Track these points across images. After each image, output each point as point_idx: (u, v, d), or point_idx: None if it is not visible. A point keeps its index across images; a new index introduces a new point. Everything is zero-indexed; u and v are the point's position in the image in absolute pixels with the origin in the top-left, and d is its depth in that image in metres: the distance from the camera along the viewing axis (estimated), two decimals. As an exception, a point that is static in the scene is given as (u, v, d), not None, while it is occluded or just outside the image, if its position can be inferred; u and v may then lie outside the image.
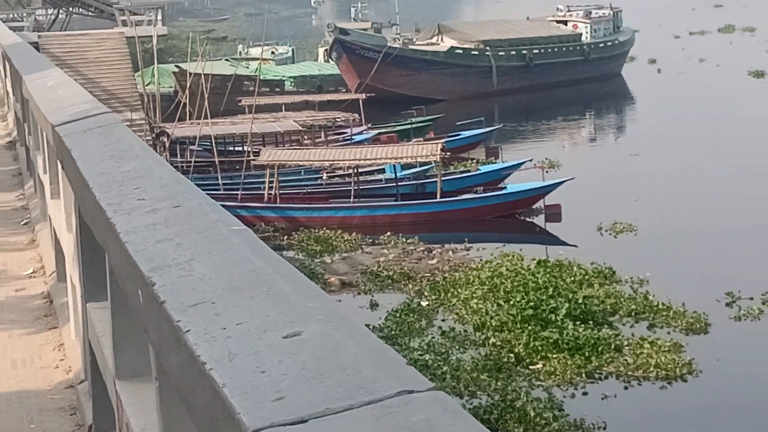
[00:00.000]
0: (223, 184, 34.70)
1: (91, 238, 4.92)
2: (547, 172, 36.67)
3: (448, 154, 35.98)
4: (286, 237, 30.91)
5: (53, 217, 9.10)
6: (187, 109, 44.79)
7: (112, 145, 5.24)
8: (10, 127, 19.95)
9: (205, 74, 45.90)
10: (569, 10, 76.35)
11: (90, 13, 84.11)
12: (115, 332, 4.36)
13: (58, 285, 8.93)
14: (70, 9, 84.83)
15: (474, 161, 39.59)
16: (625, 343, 21.48)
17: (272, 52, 71.00)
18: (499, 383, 19.69)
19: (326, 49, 64.59)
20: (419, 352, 21.21)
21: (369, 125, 46.35)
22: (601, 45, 71.41)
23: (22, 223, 12.88)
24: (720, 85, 64.30)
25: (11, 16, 69.29)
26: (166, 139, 40.05)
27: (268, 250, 2.96)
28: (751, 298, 23.55)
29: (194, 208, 3.57)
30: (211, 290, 2.52)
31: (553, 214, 32.87)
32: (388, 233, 30.54)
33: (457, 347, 21.77)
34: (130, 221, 3.51)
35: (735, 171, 40.20)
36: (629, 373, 20.36)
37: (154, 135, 41.07)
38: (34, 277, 10.43)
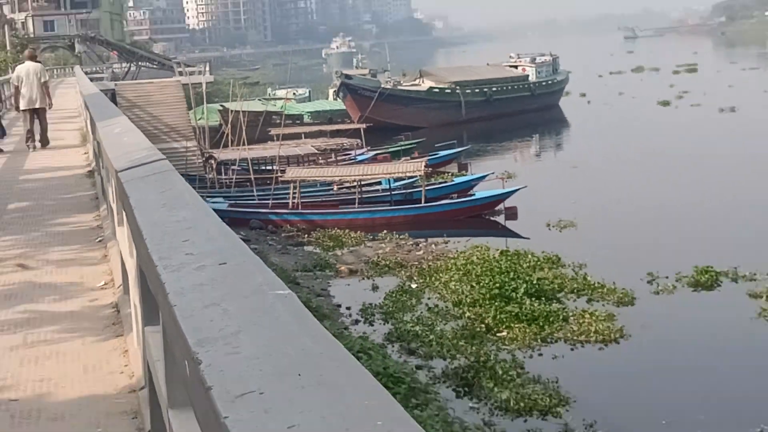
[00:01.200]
0: (257, 195, 34.30)
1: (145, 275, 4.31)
2: (505, 181, 36.31)
3: (430, 169, 35.67)
4: (306, 235, 30.58)
5: (119, 241, 8.55)
6: (229, 138, 44.58)
7: (165, 192, 4.85)
8: (90, 159, 19.22)
9: (242, 111, 45.93)
10: (519, 57, 77.05)
11: (154, 66, 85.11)
12: (167, 363, 3.68)
13: (124, 297, 8.45)
14: (139, 63, 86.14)
15: (449, 174, 39.62)
16: (570, 314, 21.23)
17: (293, 93, 70.75)
18: (473, 348, 19.33)
19: (335, 90, 64.12)
20: (411, 324, 20.92)
21: (368, 148, 46.34)
22: (544, 83, 71.69)
23: (97, 240, 12.27)
24: (636, 112, 64.76)
25: (94, 69, 68.88)
26: (213, 162, 40.22)
27: (316, 324, 2.37)
28: (667, 277, 23.45)
29: (240, 267, 3.03)
30: (259, 375, 1.93)
31: (511, 214, 32.88)
32: (385, 231, 30.30)
33: (440, 320, 21.47)
34: (179, 280, 2.97)
35: (653, 175, 40.01)
36: (574, 338, 20.06)
37: (204, 158, 41.19)
38: (105, 288, 9.75)
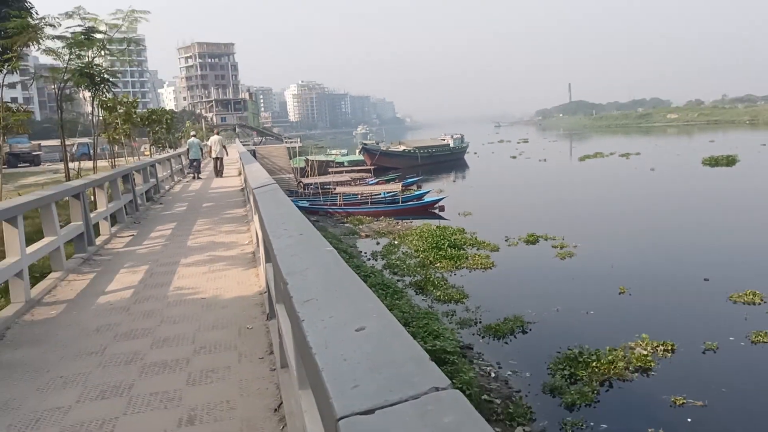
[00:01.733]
0: (323, 200, 34.04)
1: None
2: (439, 193, 36.26)
3: (403, 188, 35.63)
4: (345, 219, 30.12)
5: (255, 221, 8.32)
6: (308, 173, 44.54)
7: (275, 199, 4.80)
8: (241, 183, 19.28)
9: (315, 160, 45.98)
10: (445, 134, 76.21)
11: (273, 139, 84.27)
12: (276, 282, 3.68)
13: (257, 248, 8.25)
14: (266, 137, 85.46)
15: (413, 190, 38.42)
16: (469, 255, 20.98)
17: (339, 152, 70.56)
18: (424, 271, 19.20)
19: (359, 150, 63.61)
20: (394, 260, 20.80)
21: (375, 178, 45.51)
22: (457, 147, 70.79)
23: (245, 222, 12.15)
24: (500, 162, 64.25)
25: (244, 141, 68.69)
26: (302, 184, 39.95)
27: (344, 264, 2.42)
28: (514, 238, 23.23)
29: (309, 236, 3.01)
30: (316, 290, 2.00)
31: (441, 208, 32.04)
32: (382, 217, 30.11)
33: (408, 258, 21.33)
34: (279, 242, 2.93)
35: (509, 191, 39.69)
36: (471, 266, 19.94)
37: (297, 182, 40.48)
38: (248, 245, 9.69)
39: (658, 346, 12.54)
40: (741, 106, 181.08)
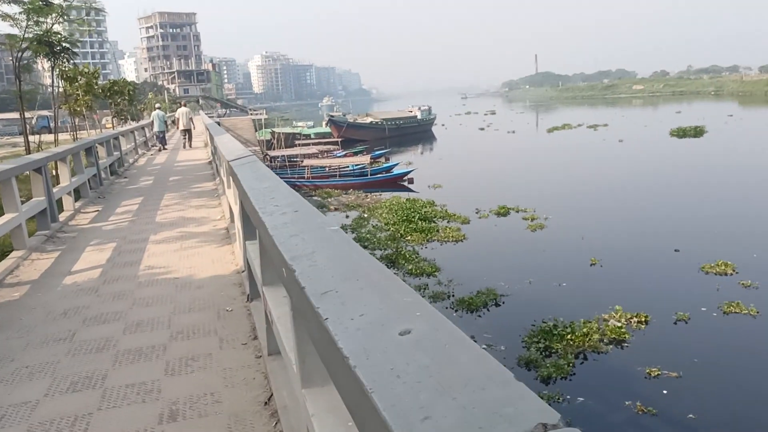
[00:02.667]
0: (290, 173, 33.21)
1: (246, 215, 4.01)
2: (407, 165, 36.08)
3: (372, 160, 35.27)
4: (313, 192, 29.85)
5: (228, 195, 8.21)
6: (274, 145, 43.92)
7: (256, 172, 4.39)
8: (209, 155, 18.83)
9: (282, 132, 45.35)
10: (413, 107, 74.84)
11: (237, 111, 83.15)
12: (262, 263, 3.44)
13: (230, 224, 8.24)
14: (230, 109, 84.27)
15: (382, 162, 38.14)
16: (440, 228, 20.91)
17: (305, 124, 69.73)
18: (395, 245, 19.03)
19: (326, 122, 62.51)
20: (364, 233, 20.65)
21: (342, 150, 45.09)
22: (424, 119, 70.14)
23: (215, 196, 11.93)
24: (468, 134, 64.20)
25: (209, 112, 67.39)
26: (268, 156, 39.14)
27: (359, 247, 2.08)
28: (484, 210, 23.24)
29: (307, 213, 2.65)
30: (332, 280, 1.63)
31: (410, 180, 31.84)
32: (351, 190, 29.80)
33: (378, 231, 21.09)
34: (272, 220, 2.55)
35: (480, 161, 39.40)
36: (442, 239, 19.87)
37: (263, 155, 39.52)
38: (220, 220, 9.48)
39: (631, 318, 12.63)
40: (706, 77, 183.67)
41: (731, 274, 15.12)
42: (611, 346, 11.61)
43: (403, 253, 18.01)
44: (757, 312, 12.79)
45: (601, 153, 40.05)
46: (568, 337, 11.70)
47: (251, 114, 69.00)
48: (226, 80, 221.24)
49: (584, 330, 11.85)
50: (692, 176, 29.10)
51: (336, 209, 26.23)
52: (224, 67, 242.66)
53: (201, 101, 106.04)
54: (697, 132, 45.79)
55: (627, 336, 11.88)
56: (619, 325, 12.26)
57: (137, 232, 9.14)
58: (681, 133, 45.88)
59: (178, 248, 7.82)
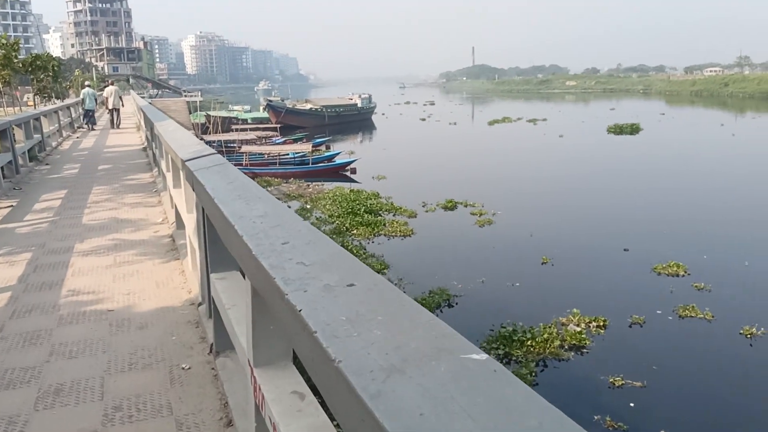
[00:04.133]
0: (227, 160, 31.78)
1: (214, 233, 3.00)
2: (350, 155, 35.24)
3: (313, 148, 34.24)
4: (252, 179, 28.74)
5: (174, 197, 6.72)
6: (210, 130, 42.31)
7: (232, 183, 3.17)
8: (143, 140, 17.40)
9: (218, 116, 43.78)
10: (353, 94, 74.27)
11: (170, 92, 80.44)
12: (255, 324, 2.21)
13: (177, 232, 6.73)
14: (162, 90, 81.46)
15: (323, 150, 37.18)
16: (386, 222, 20.22)
17: (242, 108, 67.70)
18: (340, 239, 18.17)
19: (264, 107, 61.23)
20: (308, 227, 19.67)
21: (281, 136, 43.76)
22: (365, 107, 69.29)
23: (153, 191, 10.25)
24: (409, 123, 63.70)
25: (140, 92, 64.43)
26: (204, 142, 37.41)
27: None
28: (431, 203, 22.58)
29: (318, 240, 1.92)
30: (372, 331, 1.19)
31: (353, 170, 31.00)
32: (291, 179, 28.74)
33: (322, 225, 20.11)
34: (297, 292, 1.53)
35: (423, 150, 38.84)
36: (389, 233, 19.21)
37: (198, 140, 37.70)
38: (162, 224, 7.87)
39: (590, 322, 12.21)
40: (635, 75, 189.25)
41: (683, 276, 14.93)
42: (572, 353, 11.11)
43: (350, 248, 17.17)
44: (713, 317, 12.55)
45: (543, 148, 40.09)
46: (528, 343, 11.15)
47: (186, 96, 66.48)
48: (158, 60, 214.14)
49: (544, 336, 11.32)
50: (634, 174, 29.25)
51: (277, 198, 25.12)
52: (156, 46, 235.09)
53: (131, 80, 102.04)
54: (633, 129, 46.57)
55: (587, 342, 11.41)
56: (579, 330, 11.80)
57: (60, 238, 7.48)
58: (618, 129, 46.56)
59: (112, 263, 6.22)
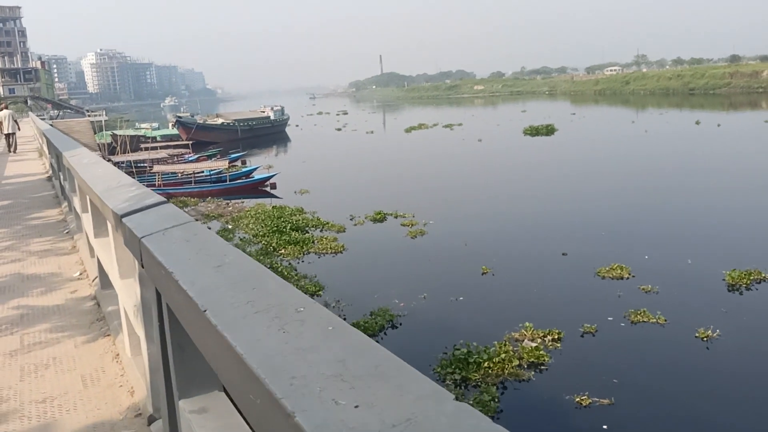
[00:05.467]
0: (138, 180, 29.59)
1: (185, 339, 1.85)
2: (268, 169, 33.92)
3: (230, 164, 32.68)
4: (167, 201, 26.99)
5: (97, 248, 4.89)
6: (118, 150, 39.94)
7: (221, 268, 1.80)
8: (47, 168, 15.48)
9: (125, 135, 41.51)
10: (265, 107, 72.34)
11: (72, 112, 76.37)
12: None
13: (103, 293, 4.96)
14: (63, 110, 77.30)
15: (240, 166, 35.71)
16: (315, 238, 19.12)
17: (150, 125, 64.79)
18: (268, 260, 17.02)
19: (173, 124, 59.27)
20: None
21: (194, 153, 41.92)
22: (277, 120, 67.88)
23: (64, 232, 8.46)
24: (325, 134, 62.85)
25: (39, 114, 60.37)
26: (111, 163, 34.86)
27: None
28: (359, 216, 21.74)
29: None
30: None
31: (273, 185, 29.68)
32: (209, 198, 27.15)
33: (246, 245, 18.84)
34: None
35: (345, 163, 38.17)
36: (319, 251, 18.13)
37: (105, 161, 35.08)
38: (81, 279, 6.09)
39: (545, 336, 11.51)
40: (539, 77, 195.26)
41: (628, 278, 14.53)
42: (532, 372, 10.33)
43: (280, 270, 15.97)
44: (665, 320, 12.11)
45: (464, 153, 39.81)
46: (486, 365, 10.31)
47: (90, 115, 62.99)
48: (56, 79, 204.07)
49: (501, 355, 10.50)
50: (559, 176, 29.21)
51: (195, 220, 23.43)
52: (54, 66, 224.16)
53: (30, 102, 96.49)
54: (549, 130, 47.23)
55: (546, 358, 10.68)
56: (535, 345, 11.06)
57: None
58: (534, 131, 47.12)
59: (18, 347, 4.42)
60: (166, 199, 2.98)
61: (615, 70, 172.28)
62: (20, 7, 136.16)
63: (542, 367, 10.56)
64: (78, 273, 6.34)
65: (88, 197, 4.91)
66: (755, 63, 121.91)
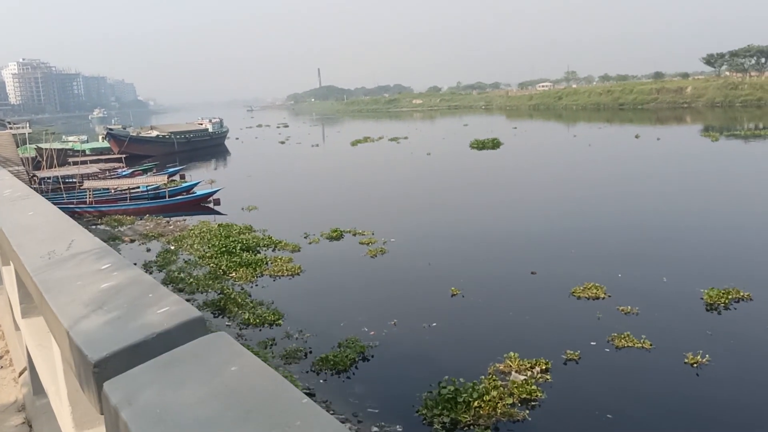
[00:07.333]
0: (66, 197, 27.75)
1: None
2: (211, 184, 32.29)
3: (168, 179, 30.84)
4: (99, 219, 25.07)
5: (26, 333, 3.06)
6: (43, 164, 37.40)
7: None
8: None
9: (51, 148, 38.97)
10: (203, 119, 70.86)
11: (-6, 124, 72.30)
12: None
13: (37, 403, 3.04)
14: (-15, 121, 73.01)
15: (179, 181, 33.98)
16: (267, 260, 17.89)
17: (78, 138, 61.52)
18: (218, 285, 15.73)
19: (103, 136, 56.79)
20: (176, 273, 16.82)
21: (128, 168, 39.74)
22: (216, 132, 66.18)
23: None
24: (267, 147, 61.75)
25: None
26: (36, 178, 32.49)
27: None
28: (314, 234, 20.64)
29: None
30: None
31: (216, 201, 28.18)
32: (147, 215, 25.44)
33: (192, 268, 17.43)
34: None
35: (293, 179, 36.74)
36: (274, 273, 16.95)
37: (30, 176, 32.58)
38: (0, 368, 3.98)
39: (532, 367, 10.66)
40: (474, 92, 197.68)
41: (604, 298, 13.89)
42: (526, 411, 9.44)
43: (232, 296, 14.66)
44: (651, 345, 11.46)
45: (415, 167, 39.06)
46: (476, 404, 9.35)
47: (11, 127, 59.34)
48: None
49: (492, 393, 9.56)
50: (515, 191, 28.73)
51: (132, 240, 21.80)
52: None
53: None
54: (495, 144, 47.08)
55: (539, 393, 9.80)
56: (524, 378, 10.18)
57: None
58: (480, 145, 46.87)
59: None
60: (199, 314, 1.67)
61: (546, 85, 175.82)
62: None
63: (534, 403, 9.69)
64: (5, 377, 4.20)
65: (9, 256, 3.08)
66: (678, 80, 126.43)
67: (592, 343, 11.76)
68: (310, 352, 11.84)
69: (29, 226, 2.90)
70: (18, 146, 41.48)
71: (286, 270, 16.91)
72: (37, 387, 3.05)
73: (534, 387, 9.88)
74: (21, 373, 3.47)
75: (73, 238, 2.43)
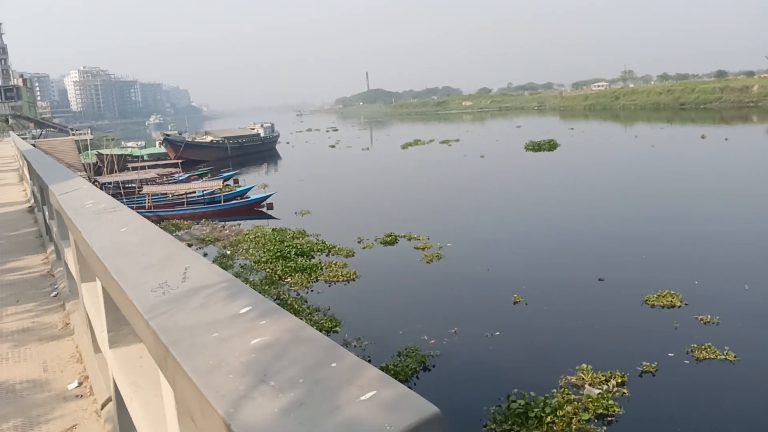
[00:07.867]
0: (126, 202, 27.96)
1: None
2: (264, 188, 32.33)
3: (223, 184, 31.08)
4: (158, 224, 25.20)
5: (111, 362, 2.73)
6: (105, 170, 38.20)
7: None
8: (29, 196, 13.54)
9: (112, 154, 39.84)
10: (254, 123, 71.52)
11: (55, 131, 74.92)
12: None
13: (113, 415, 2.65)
14: (47, 129, 75.97)
15: (233, 186, 34.26)
16: (322, 265, 17.55)
17: (136, 144, 63.10)
18: (275, 290, 15.46)
19: (160, 142, 57.96)
20: (233, 276, 16.49)
21: (184, 173, 40.43)
22: (268, 137, 66.61)
23: (53, 295, 5.88)
24: (319, 151, 61.55)
25: (21, 133, 58.37)
26: (97, 184, 33.12)
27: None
28: (368, 239, 20.51)
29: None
30: None
31: (269, 206, 28.27)
32: (203, 220, 25.54)
33: (248, 273, 17.24)
34: None
35: (347, 181, 36.74)
36: (329, 279, 16.58)
37: (92, 181, 33.24)
38: (81, 397, 3.55)
39: (607, 380, 10.00)
40: (526, 93, 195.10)
41: (680, 306, 13.07)
42: (604, 428, 8.81)
43: (288, 302, 14.39)
44: (736, 357, 10.64)
45: (469, 170, 38.32)
46: (548, 419, 8.76)
47: (74, 134, 61.20)
48: (39, 98, 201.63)
49: (566, 407, 8.97)
50: (576, 193, 27.69)
51: (189, 245, 21.80)
52: (37, 84, 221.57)
53: (11, 121, 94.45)
54: (551, 146, 45.99)
55: (616, 409, 9.15)
56: (599, 392, 9.53)
57: None
58: (536, 147, 45.86)
59: None
60: (435, 409, 1.23)
61: (602, 85, 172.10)
62: (0, 23, 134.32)
63: (611, 419, 9.05)
64: (76, 383, 3.96)
65: (100, 279, 2.65)
66: (743, 78, 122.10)
67: (669, 355, 11.02)
68: (370, 361, 11.39)
69: (125, 246, 2.43)
70: (80, 152, 42.63)
71: (342, 275, 16.56)
72: (125, 425, 2.65)
73: (611, 401, 9.25)
74: (104, 405, 3.10)
75: (187, 265, 1.98)
